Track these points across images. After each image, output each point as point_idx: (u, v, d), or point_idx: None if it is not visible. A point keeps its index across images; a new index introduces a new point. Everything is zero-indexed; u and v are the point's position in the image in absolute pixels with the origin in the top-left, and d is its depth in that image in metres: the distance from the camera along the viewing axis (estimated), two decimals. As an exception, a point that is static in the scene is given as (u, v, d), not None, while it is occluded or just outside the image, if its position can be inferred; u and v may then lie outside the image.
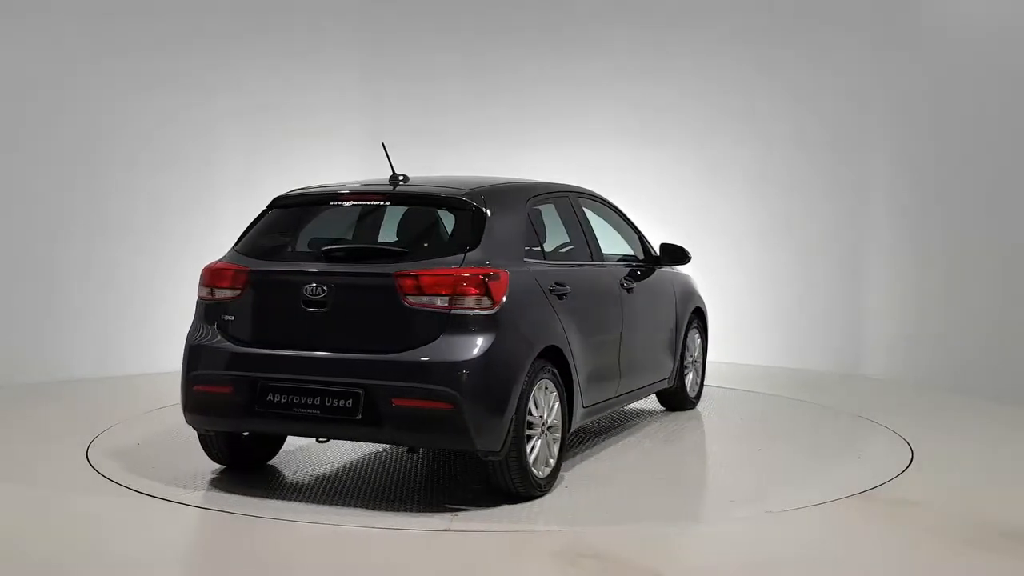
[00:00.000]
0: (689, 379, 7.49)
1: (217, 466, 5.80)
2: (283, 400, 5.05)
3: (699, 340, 7.63)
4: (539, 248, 5.66)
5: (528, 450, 5.11)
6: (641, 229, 7.11)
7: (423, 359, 4.86)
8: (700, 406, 7.71)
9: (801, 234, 9.77)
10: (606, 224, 6.83)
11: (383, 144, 5.86)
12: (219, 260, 5.46)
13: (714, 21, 9.83)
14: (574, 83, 10.03)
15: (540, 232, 5.77)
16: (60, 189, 8.58)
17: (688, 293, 7.42)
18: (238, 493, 5.31)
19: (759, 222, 9.86)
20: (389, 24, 10.17)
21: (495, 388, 4.90)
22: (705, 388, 7.89)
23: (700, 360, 7.70)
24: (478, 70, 10.15)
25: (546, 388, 5.26)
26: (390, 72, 10.17)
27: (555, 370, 5.33)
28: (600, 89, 9.99)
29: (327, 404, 4.98)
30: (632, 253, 6.87)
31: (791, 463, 6.34)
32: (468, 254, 5.05)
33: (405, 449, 5.96)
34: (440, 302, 4.90)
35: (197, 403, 5.31)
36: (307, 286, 5.07)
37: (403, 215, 5.60)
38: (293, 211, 5.59)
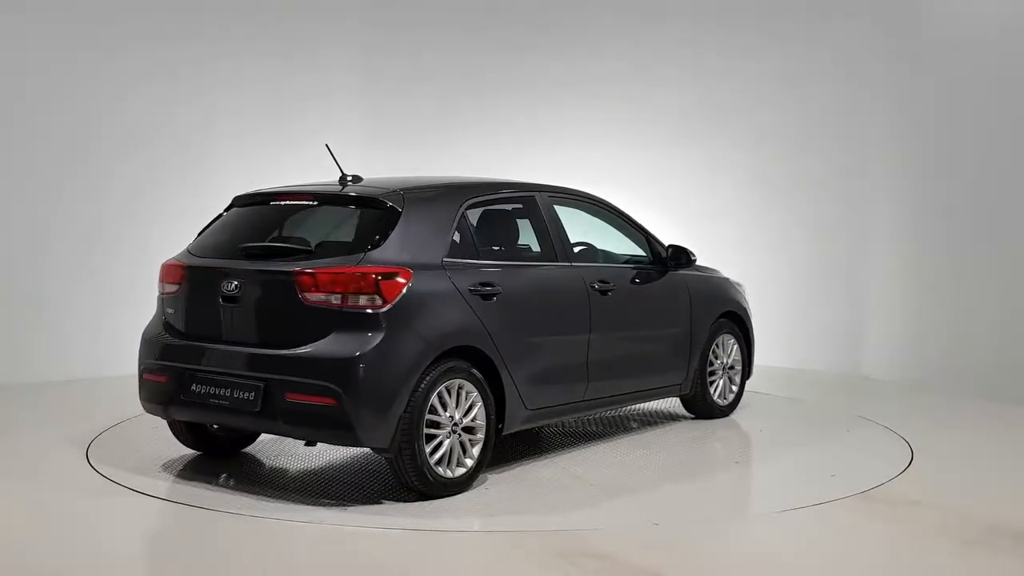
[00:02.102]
0: (719, 386, 7.23)
1: (217, 467, 5.85)
2: (202, 390, 5.32)
3: (734, 345, 7.35)
4: (471, 248, 5.64)
5: (430, 449, 5.13)
6: (647, 232, 6.92)
7: (311, 355, 4.99)
8: (736, 414, 7.42)
9: (801, 234, 9.77)
10: (605, 226, 6.75)
11: (327, 145, 6.03)
12: (173, 257, 5.74)
13: (715, 20, 9.83)
14: (574, 83, 10.02)
15: (477, 232, 5.77)
16: (56, 188, 8.56)
17: (714, 296, 7.20)
18: (238, 493, 5.32)
19: (759, 222, 9.85)
20: (389, 24, 10.17)
21: (379, 385, 4.95)
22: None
23: (739, 366, 7.42)
24: (478, 70, 10.14)
25: (460, 388, 5.28)
26: (389, 72, 10.16)
27: (475, 371, 5.35)
28: (600, 89, 9.98)
29: (235, 396, 5.19)
30: (637, 255, 6.79)
31: (792, 463, 6.34)
32: (369, 253, 5.13)
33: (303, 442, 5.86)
34: (335, 300, 5.01)
35: (145, 391, 5.65)
36: (224, 282, 5.29)
37: (327, 215, 5.70)
38: (244, 210, 5.81)
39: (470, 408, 5.35)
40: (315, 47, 9.84)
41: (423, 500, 5.20)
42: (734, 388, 7.41)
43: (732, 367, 7.36)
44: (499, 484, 5.52)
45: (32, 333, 8.49)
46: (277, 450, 6.22)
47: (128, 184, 8.89)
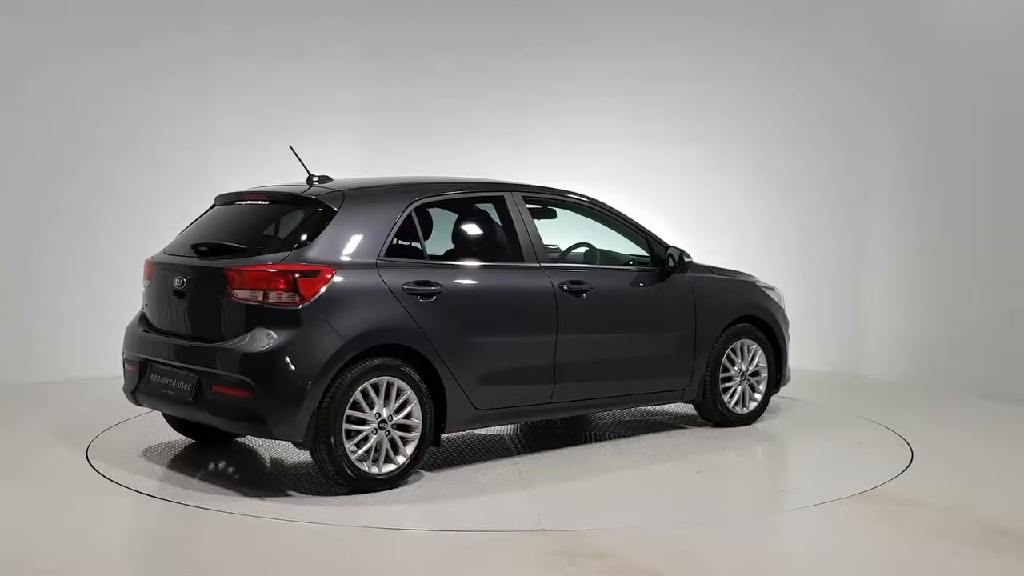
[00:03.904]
0: (737, 393, 6.95)
1: (217, 466, 5.88)
2: (157, 380, 5.65)
3: (757, 351, 7.05)
4: (417, 247, 5.70)
5: (353, 445, 5.22)
6: (647, 233, 6.74)
7: (231, 349, 5.20)
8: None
9: (801, 234, 9.77)
10: (599, 227, 6.66)
11: (291, 147, 6.15)
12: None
13: (714, 20, 9.83)
14: (573, 82, 10.01)
15: (427, 232, 5.82)
16: (55, 188, 8.56)
17: (727, 299, 6.93)
18: (238, 493, 5.33)
19: (759, 222, 9.86)
20: (389, 24, 10.15)
21: (290, 380, 5.08)
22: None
23: (765, 374, 7.10)
24: (478, 70, 10.12)
25: (390, 386, 5.33)
26: (390, 72, 10.15)
27: (409, 369, 5.39)
28: (600, 87, 9.98)
29: (177, 386, 5.48)
30: (640, 256, 6.67)
31: (792, 464, 6.34)
32: (295, 251, 5.28)
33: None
34: (259, 296, 5.19)
35: (125, 379, 5.98)
36: (176, 278, 5.59)
37: (277, 214, 5.80)
38: (217, 209, 6.08)
39: (404, 406, 5.39)
40: (315, 47, 9.83)
41: (422, 500, 5.21)
42: (757, 396, 7.09)
43: (756, 374, 7.06)
44: (432, 482, 5.53)
45: (32, 333, 8.49)
46: (271, 441, 6.23)
47: (128, 184, 8.88)
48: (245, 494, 5.31)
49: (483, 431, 6.69)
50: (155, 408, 5.92)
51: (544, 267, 6.10)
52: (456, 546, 4.65)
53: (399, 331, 5.39)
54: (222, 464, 5.98)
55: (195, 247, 5.65)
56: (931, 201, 8.95)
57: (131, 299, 8.18)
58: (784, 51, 9.69)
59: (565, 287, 6.10)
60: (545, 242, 6.91)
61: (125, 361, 5.94)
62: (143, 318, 5.95)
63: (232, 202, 6.02)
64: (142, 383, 5.75)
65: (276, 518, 4.92)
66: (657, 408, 7.48)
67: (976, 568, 4.43)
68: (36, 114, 8.48)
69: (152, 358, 5.69)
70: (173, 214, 8.91)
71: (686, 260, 6.66)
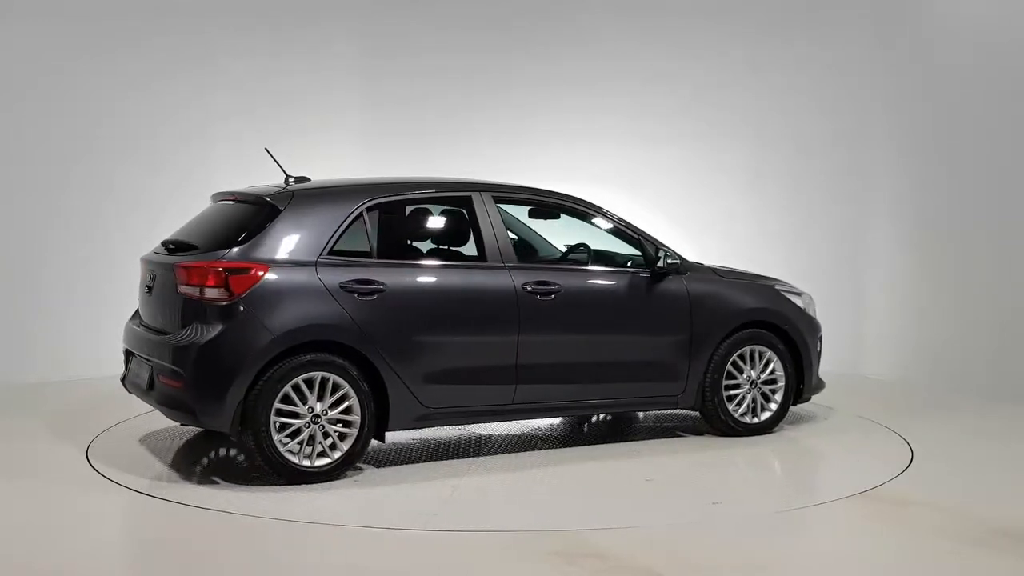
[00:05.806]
0: (745, 402, 6.66)
1: (215, 465, 5.88)
2: (133, 370, 6.03)
3: (771, 359, 6.71)
4: (364, 246, 5.77)
5: (283, 437, 5.36)
6: (640, 233, 6.58)
7: (169, 341, 5.51)
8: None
9: (801, 234, 9.77)
10: (592, 229, 6.61)
11: (267, 149, 6.34)
12: None
13: (714, 19, 9.82)
14: (573, 83, 10.01)
15: (380, 231, 5.88)
16: (55, 188, 8.56)
17: (731, 303, 6.61)
18: (238, 493, 5.33)
19: (759, 222, 9.85)
20: (388, 24, 10.15)
21: (215, 372, 5.31)
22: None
23: (781, 382, 6.74)
24: (478, 71, 10.11)
25: (324, 381, 5.44)
26: (389, 72, 10.15)
27: (348, 365, 5.47)
28: (600, 88, 9.97)
29: (141, 376, 5.82)
30: (636, 258, 6.51)
31: (791, 463, 6.33)
32: (234, 249, 5.49)
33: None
34: (196, 291, 5.45)
35: (123, 371, 6.27)
36: (148, 273, 5.99)
37: (238, 213, 5.92)
38: (208, 207, 6.33)
39: (343, 401, 5.48)
40: (315, 47, 9.83)
41: (421, 499, 5.20)
42: (772, 406, 6.75)
43: (773, 382, 6.73)
44: (373, 476, 5.60)
45: (32, 333, 8.49)
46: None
47: (128, 184, 8.88)
48: (243, 492, 5.31)
49: (477, 430, 6.73)
50: (136, 395, 6.07)
51: (508, 267, 6.03)
52: (456, 544, 4.64)
53: (332, 328, 5.49)
54: (221, 463, 5.99)
55: (164, 244, 6.00)
56: (931, 201, 8.95)
57: (131, 299, 8.19)
58: (784, 51, 9.69)
59: (529, 288, 6.02)
60: (548, 244, 6.93)
61: (123, 353, 6.25)
62: (136, 311, 6.30)
63: (216, 201, 6.27)
64: (128, 372, 6.13)
65: (275, 518, 4.92)
66: (670, 413, 7.38)
67: (976, 568, 4.43)
68: (36, 114, 8.48)
69: (132, 349, 6.03)
70: (173, 214, 8.91)
71: (670, 262, 6.42)
